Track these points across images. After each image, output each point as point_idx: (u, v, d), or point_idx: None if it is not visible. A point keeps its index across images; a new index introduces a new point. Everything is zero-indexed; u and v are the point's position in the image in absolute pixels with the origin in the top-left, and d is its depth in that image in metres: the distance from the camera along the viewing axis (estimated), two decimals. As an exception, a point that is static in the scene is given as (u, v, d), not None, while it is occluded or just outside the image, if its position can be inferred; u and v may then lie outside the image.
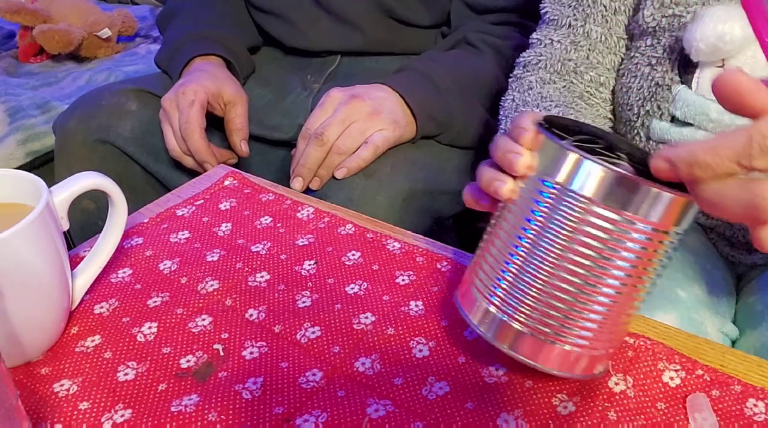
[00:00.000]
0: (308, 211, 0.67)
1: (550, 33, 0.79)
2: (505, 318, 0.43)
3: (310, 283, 0.57)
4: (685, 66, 0.68)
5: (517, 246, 0.42)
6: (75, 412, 0.46)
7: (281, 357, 0.50)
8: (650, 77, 0.70)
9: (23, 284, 0.47)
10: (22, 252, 0.46)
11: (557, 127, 0.44)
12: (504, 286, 0.43)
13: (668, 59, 0.69)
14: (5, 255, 0.45)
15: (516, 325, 0.43)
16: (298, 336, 0.52)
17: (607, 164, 0.38)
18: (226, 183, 0.72)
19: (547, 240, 0.41)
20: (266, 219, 0.66)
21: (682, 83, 0.67)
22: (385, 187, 0.82)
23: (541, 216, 0.41)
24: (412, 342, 0.51)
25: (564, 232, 0.40)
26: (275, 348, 0.51)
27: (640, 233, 0.39)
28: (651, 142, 0.71)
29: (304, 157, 0.82)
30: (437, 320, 0.53)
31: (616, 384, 0.47)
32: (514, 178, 0.43)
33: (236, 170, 0.75)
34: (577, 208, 0.39)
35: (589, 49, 0.77)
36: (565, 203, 0.40)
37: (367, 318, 0.53)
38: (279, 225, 0.65)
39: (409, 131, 0.86)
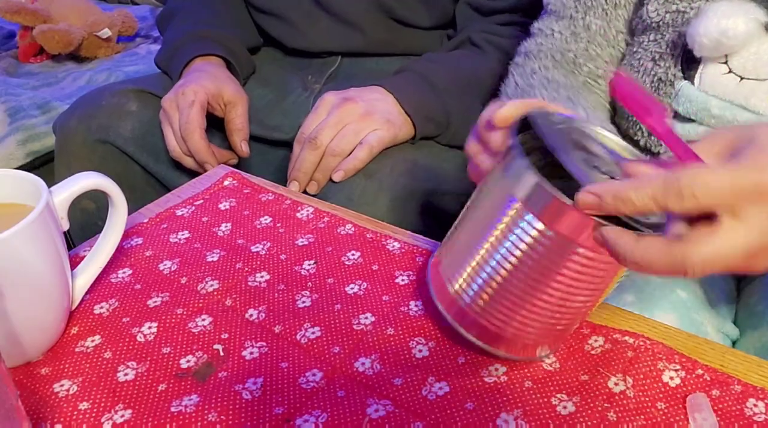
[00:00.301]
0: (308, 210, 0.67)
1: (551, 23, 0.79)
2: (461, 304, 0.47)
3: (309, 283, 0.57)
4: (688, 62, 0.67)
5: (478, 246, 0.46)
6: (75, 412, 0.46)
7: (281, 357, 0.50)
8: (653, 73, 0.70)
9: (23, 284, 0.47)
10: (22, 253, 0.46)
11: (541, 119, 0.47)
12: (465, 275, 0.47)
13: (671, 55, 0.69)
14: (5, 256, 0.45)
15: (471, 311, 0.47)
16: (298, 337, 0.52)
17: (556, 193, 0.41)
18: (226, 183, 0.72)
19: (501, 247, 0.44)
20: (266, 219, 0.66)
21: (685, 79, 0.67)
22: (385, 187, 0.82)
23: (501, 226, 0.44)
24: (411, 342, 0.51)
25: (510, 242, 0.44)
26: (275, 349, 0.51)
27: (577, 255, 0.42)
28: (652, 137, 0.71)
29: (299, 161, 0.83)
30: (437, 320, 0.53)
31: (616, 384, 0.47)
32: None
33: (236, 170, 0.75)
34: (525, 224, 0.43)
35: (588, 41, 0.76)
36: (519, 220, 0.43)
37: (366, 318, 0.53)
38: (279, 225, 0.65)
39: (404, 131, 0.86)
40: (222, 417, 0.46)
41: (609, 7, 0.75)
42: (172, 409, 0.46)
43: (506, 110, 0.49)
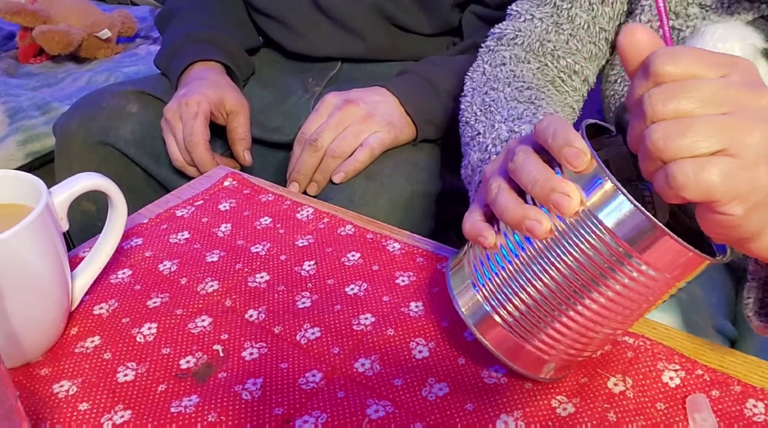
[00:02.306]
0: (308, 211, 0.67)
1: (531, 8, 0.76)
2: (488, 309, 0.44)
3: (309, 284, 0.57)
4: None
5: (521, 250, 0.42)
6: (75, 413, 0.46)
7: (281, 357, 0.50)
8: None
9: (23, 285, 0.47)
10: (22, 253, 0.46)
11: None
12: (497, 281, 0.43)
13: None
14: (5, 256, 0.45)
15: (496, 318, 0.43)
16: (297, 337, 0.52)
17: (637, 205, 0.38)
18: (226, 183, 0.72)
19: (553, 256, 0.41)
20: (266, 220, 0.66)
21: None
22: (386, 188, 0.82)
23: (556, 233, 0.41)
24: (411, 343, 0.51)
25: (572, 254, 0.40)
26: (275, 349, 0.51)
27: (641, 274, 0.39)
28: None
29: (299, 162, 0.83)
30: (437, 321, 0.53)
31: (615, 385, 0.47)
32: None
33: (236, 171, 0.75)
34: (592, 236, 0.39)
35: (570, 34, 0.74)
36: (583, 229, 0.39)
37: (366, 319, 0.53)
38: (278, 225, 0.65)
39: (406, 133, 0.86)
40: (222, 417, 0.46)
41: (596, 1, 0.73)
42: (172, 410, 0.46)
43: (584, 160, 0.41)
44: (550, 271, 0.41)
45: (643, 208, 0.37)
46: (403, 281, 0.57)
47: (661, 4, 0.45)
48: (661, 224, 0.37)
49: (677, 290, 0.42)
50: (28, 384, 0.49)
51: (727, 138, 0.33)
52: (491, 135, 0.60)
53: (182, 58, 0.98)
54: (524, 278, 0.42)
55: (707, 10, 0.64)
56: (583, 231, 0.39)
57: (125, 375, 0.49)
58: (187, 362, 0.50)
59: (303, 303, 0.55)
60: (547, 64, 0.74)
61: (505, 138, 0.58)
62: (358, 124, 0.83)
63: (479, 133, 0.62)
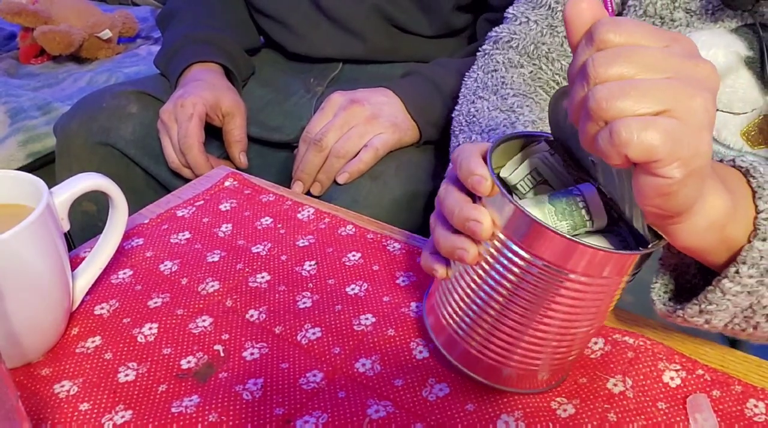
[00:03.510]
0: (308, 211, 0.67)
1: (527, 11, 0.76)
2: (456, 337, 0.46)
3: (310, 284, 0.57)
4: None
5: (467, 276, 0.44)
6: (75, 413, 0.46)
7: (282, 358, 0.50)
8: None
9: (23, 285, 0.47)
10: (23, 253, 0.46)
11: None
12: (457, 310, 0.45)
13: None
14: (5, 256, 0.45)
15: (471, 350, 0.45)
16: (298, 337, 0.52)
17: (541, 221, 0.39)
18: (227, 184, 0.72)
19: (493, 279, 0.42)
20: (266, 220, 0.66)
21: None
22: (390, 189, 0.82)
23: (486, 264, 0.42)
24: (412, 343, 0.51)
25: (506, 276, 0.41)
26: (276, 349, 0.51)
27: (573, 282, 0.40)
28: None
29: (304, 162, 0.83)
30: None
31: (615, 385, 0.47)
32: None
33: (236, 171, 0.75)
34: (515, 257, 0.40)
35: (565, 37, 0.74)
36: (505, 250, 0.41)
37: (367, 319, 0.53)
38: (279, 225, 0.65)
39: (410, 134, 0.87)
40: (223, 417, 0.46)
41: None
42: (173, 410, 0.46)
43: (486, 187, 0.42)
44: (496, 294, 0.42)
45: (547, 224, 0.39)
46: (403, 281, 0.57)
47: None
48: (566, 234, 0.38)
49: (626, 284, 0.43)
50: (29, 384, 0.49)
51: (670, 99, 0.34)
52: None
53: (181, 59, 0.98)
54: (479, 302, 0.43)
55: (692, 16, 0.64)
56: (506, 253, 0.41)
57: (126, 375, 0.49)
58: (188, 362, 0.50)
59: (304, 303, 0.55)
60: (541, 68, 0.74)
61: None
62: (363, 124, 0.83)
63: (459, 145, 0.63)
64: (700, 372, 0.48)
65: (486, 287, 0.42)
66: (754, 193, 0.42)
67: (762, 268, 0.41)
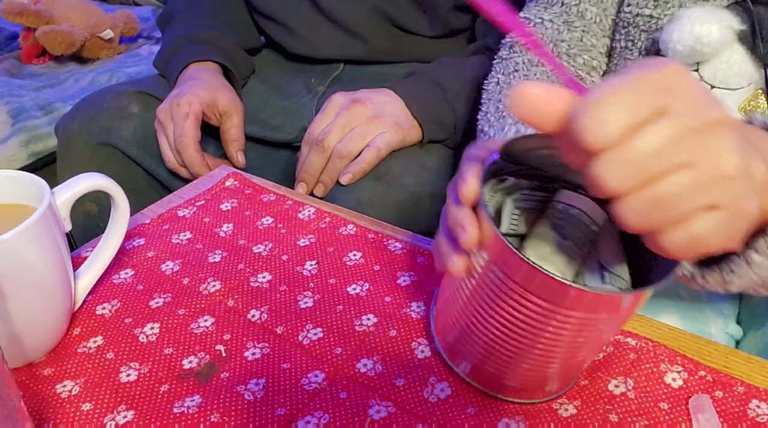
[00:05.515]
0: (309, 211, 0.67)
1: (540, 12, 0.76)
2: (458, 347, 0.46)
3: (311, 284, 0.57)
4: None
5: (469, 299, 0.43)
6: (77, 413, 0.46)
7: (283, 358, 0.50)
8: None
9: (25, 285, 0.47)
10: (25, 254, 0.46)
11: (509, 162, 0.43)
12: (458, 324, 0.45)
13: None
14: (7, 256, 0.45)
15: (467, 355, 0.45)
16: (300, 338, 0.52)
17: (538, 266, 0.37)
18: (228, 184, 0.72)
19: (485, 310, 0.41)
20: (267, 220, 0.66)
21: None
22: (394, 190, 0.82)
23: (473, 284, 0.41)
24: (414, 343, 0.51)
25: (501, 310, 0.40)
26: (277, 349, 0.51)
27: (566, 317, 0.39)
28: None
29: (306, 163, 0.83)
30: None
31: (617, 386, 0.47)
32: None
33: (237, 171, 0.75)
34: (511, 293, 0.39)
35: (583, 31, 0.74)
36: (504, 288, 0.39)
37: (369, 319, 0.53)
38: (280, 225, 0.65)
39: (413, 134, 0.86)
40: (224, 418, 0.46)
41: None
42: (175, 410, 0.46)
43: (470, 186, 0.40)
44: (491, 318, 0.41)
45: (540, 267, 0.36)
46: (404, 281, 0.57)
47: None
48: (560, 276, 0.36)
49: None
50: (31, 384, 0.49)
51: (707, 195, 0.31)
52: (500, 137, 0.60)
53: (179, 59, 0.98)
54: (475, 321, 0.42)
55: None
56: (500, 284, 0.39)
57: (128, 375, 0.49)
58: (190, 362, 0.50)
59: (305, 303, 0.55)
60: (563, 65, 0.73)
61: None
62: (365, 124, 0.82)
63: (490, 138, 0.62)
64: (702, 373, 0.48)
65: (481, 309, 0.41)
66: None
67: None
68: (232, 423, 0.45)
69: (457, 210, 0.41)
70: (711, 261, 0.44)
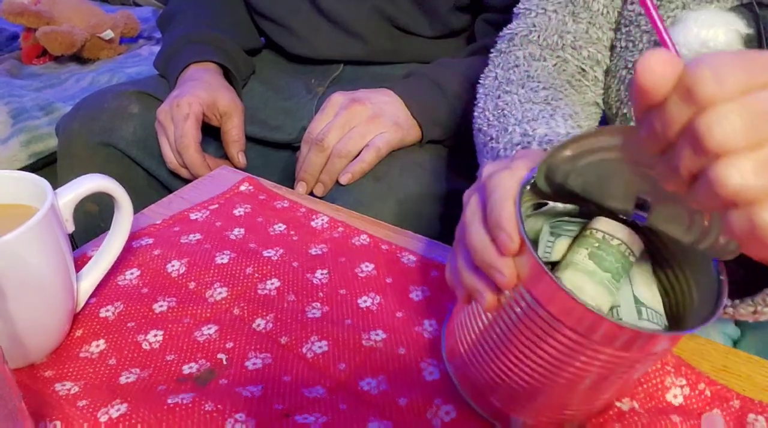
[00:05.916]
0: (323, 220, 0.66)
1: (542, 2, 0.72)
2: (469, 371, 0.44)
3: (321, 293, 0.56)
4: None
5: (488, 327, 0.41)
6: (73, 408, 0.45)
7: (285, 370, 0.49)
8: (626, 81, 0.67)
9: (27, 286, 0.46)
10: (27, 254, 0.45)
11: (548, 187, 0.40)
12: (473, 349, 0.43)
13: None
14: (9, 257, 0.44)
15: (476, 382, 0.43)
16: (303, 350, 0.51)
17: (580, 300, 0.35)
18: (242, 188, 0.71)
19: (512, 340, 0.39)
20: (280, 226, 0.65)
21: None
22: (394, 190, 0.82)
23: (506, 314, 0.39)
24: (422, 363, 0.49)
25: (525, 339, 0.38)
26: (279, 360, 0.50)
27: (603, 353, 0.37)
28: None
29: (306, 163, 0.82)
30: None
31: (623, 403, 0.46)
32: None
33: (252, 176, 0.74)
34: (540, 321, 0.37)
35: (589, 23, 0.70)
36: (533, 315, 0.37)
37: (377, 335, 0.52)
38: (292, 232, 0.64)
39: (412, 134, 0.86)
40: (219, 406, 0.44)
41: None
42: (169, 401, 0.45)
43: (513, 246, 0.37)
44: (514, 348, 0.39)
45: (577, 297, 0.35)
46: (417, 296, 0.56)
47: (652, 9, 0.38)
48: (595, 309, 0.34)
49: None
50: (31, 385, 0.48)
51: None
52: (503, 139, 0.58)
53: (178, 60, 0.98)
54: (494, 348, 0.41)
55: None
56: (529, 313, 0.37)
57: (127, 378, 0.49)
58: (190, 368, 0.49)
59: (313, 313, 0.54)
60: (566, 59, 0.71)
61: (517, 142, 0.56)
62: (365, 124, 0.82)
63: (492, 139, 0.60)
64: (702, 386, 0.47)
65: (503, 335, 0.39)
66: None
67: None
68: (227, 413, 0.44)
69: (491, 252, 0.38)
70: (742, 292, 0.42)
